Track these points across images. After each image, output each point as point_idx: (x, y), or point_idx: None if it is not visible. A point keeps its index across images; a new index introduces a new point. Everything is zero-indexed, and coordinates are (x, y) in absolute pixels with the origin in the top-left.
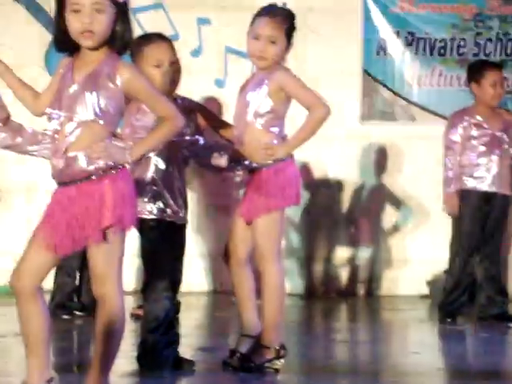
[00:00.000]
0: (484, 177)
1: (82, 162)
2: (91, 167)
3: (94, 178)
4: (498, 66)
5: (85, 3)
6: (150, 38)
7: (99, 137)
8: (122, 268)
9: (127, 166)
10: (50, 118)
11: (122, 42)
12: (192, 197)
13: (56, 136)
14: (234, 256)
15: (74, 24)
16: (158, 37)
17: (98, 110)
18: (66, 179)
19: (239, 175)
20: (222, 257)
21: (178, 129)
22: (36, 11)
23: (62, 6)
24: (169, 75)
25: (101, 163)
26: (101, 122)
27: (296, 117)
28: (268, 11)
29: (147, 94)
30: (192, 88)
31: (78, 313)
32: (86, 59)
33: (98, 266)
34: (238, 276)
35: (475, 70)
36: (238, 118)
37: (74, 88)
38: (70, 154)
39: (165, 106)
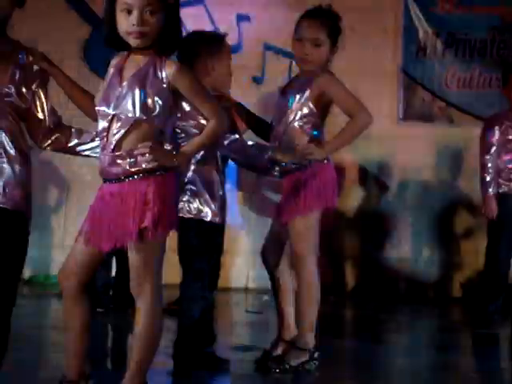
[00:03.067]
0: None
1: (127, 162)
2: (135, 168)
3: (137, 177)
4: None
5: (136, 4)
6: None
7: (146, 135)
8: (161, 269)
9: (175, 170)
10: (99, 116)
11: (171, 42)
12: (229, 195)
13: (104, 134)
14: (273, 257)
15: (124, 24)
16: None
17: (145, 107)
18: (111, 176)
19: (277, 176)
20: (260, 258)
21: (223, 129)
22: (75, 2)
23: (113, 3)
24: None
25: (144, 165)
26: (148, 119)
27: (337, 120)
28: (313, 14)
29: (193, 91)
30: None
31: (111, 306)
32: (134, 58)
33: (136, 266)
34: (276, 277)
35: (504, 74)
36: (278, 119)
37: (121, 86)
38: (117, 152)
39: (211, 106)
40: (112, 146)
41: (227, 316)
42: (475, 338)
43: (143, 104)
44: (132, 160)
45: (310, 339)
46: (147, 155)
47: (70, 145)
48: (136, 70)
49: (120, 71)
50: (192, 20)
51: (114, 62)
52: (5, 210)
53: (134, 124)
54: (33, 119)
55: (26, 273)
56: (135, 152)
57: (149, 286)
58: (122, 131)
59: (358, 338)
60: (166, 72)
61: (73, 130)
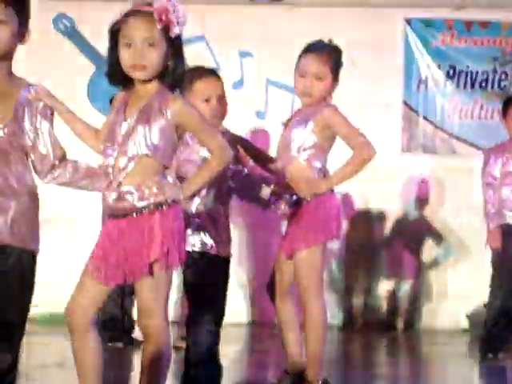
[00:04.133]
0: None
1: (134, 197)
2: (143, 202)
3: (144, 212)
4: None
5: (136, 38)
6: (199, 72)
7: (152, 171)
8: (167, 303)
9: (180, 203)
10: (104, 153)
11: (174, 76)
12: (233, 227)
13: (110, 170)
14: (278, 290)
15: (126, 58)
16: (208, 71)
17: (150, 144)
18: (118, 212)
19: (281, 208)
20: (266, 291)
21: (228, 163)
22: (79, 42)
23: (115, 39)
24: (216, 110)
25: (152, 199)
26: (153, 156)
27: (341, 152)
28: (314, 48)
29: (197, 126)
30: (233, 119)
31: (118, 344)
32: (138, 94)
33: (145, 300)
34: (281, 310)
35: (504, 105)
36: (282, 152)
37: (126, 123)
38: (123, 188)
39: (215, 140)
40: (118, 183)
41: (232, 350)
42: (481, 369)
43: (148, 140)
44: (139, 195)
45: (318, 372)
46: (154, 189)
47: (73, 179)
48: (140, 105)
49: (124, 107)
50: (194, 56)
51: (118, 98)
52: (13, 247)
53: (140, 160)
54: (37, 154)
55: (32, 310)
56: (142, 187)
57: (157, 321)
58: (128, 168)
59: (366, 370)
60: (171, 108)
61: (77, 164)
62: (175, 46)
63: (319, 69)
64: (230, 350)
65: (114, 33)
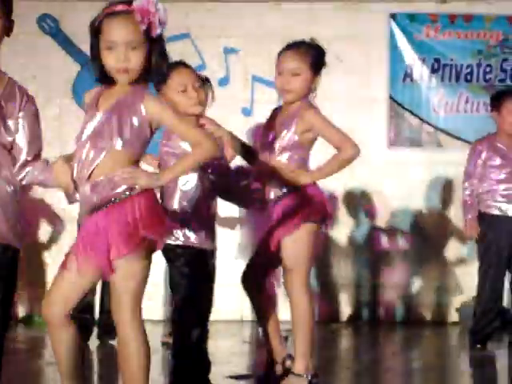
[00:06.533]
0: (506, 202)
1: (108, 186)
2: (117, 190)
3: (119, 200)
4: None
5: (118, 42)
6: (172, 65)
7: (122, 164)
8: (142, 294)
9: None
10: (76, 147)
11: (158, 74)
12: (221, 224)
13: (81, 163)
14: (254, 284)
15: (109, 61)
16: (179, 63)
17: (121, 138)
18: (94, 205)
19: (266, 198)
20: (241, 282)
21: (209, 154)
22: (63, 41)
23: (97, 40)
24: (195, 98)
25: (125, 186)
26: (124, 150)
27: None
28: (292, 45)
29: (174, 122)
30: (219, 117)
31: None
32: (112, 89)
33: (117, 291)
34: (255, 300)
35: (496, 98)
36: (264, 152)
37: (98, 116)
38: (94, 180)
39: (193, 133)
40: (88, 175)
41: (221, 347)
42: (472, 361)
43: (120, 134)
44: (111, 184)
45: (307, 365)
46: (126, 176)
47: (41, 178)
48: (114, 100)
49: (96, 102)
50: (178, 54)
51: (89, 94)
52: None
53: (110, 153)
54: (14, 149)
55: (22, 312)
56: (115, 177)
57: (126, 312)
58: (98, 160)
59: (358, 363)
60: (146, 104)
61: (46, 163)
62: (157, 44)
63: (295, 65)
64: (219, 347)
65: (95, 31)
